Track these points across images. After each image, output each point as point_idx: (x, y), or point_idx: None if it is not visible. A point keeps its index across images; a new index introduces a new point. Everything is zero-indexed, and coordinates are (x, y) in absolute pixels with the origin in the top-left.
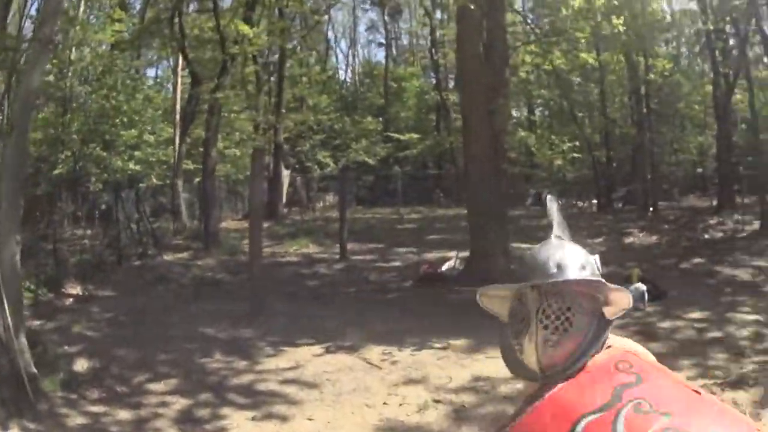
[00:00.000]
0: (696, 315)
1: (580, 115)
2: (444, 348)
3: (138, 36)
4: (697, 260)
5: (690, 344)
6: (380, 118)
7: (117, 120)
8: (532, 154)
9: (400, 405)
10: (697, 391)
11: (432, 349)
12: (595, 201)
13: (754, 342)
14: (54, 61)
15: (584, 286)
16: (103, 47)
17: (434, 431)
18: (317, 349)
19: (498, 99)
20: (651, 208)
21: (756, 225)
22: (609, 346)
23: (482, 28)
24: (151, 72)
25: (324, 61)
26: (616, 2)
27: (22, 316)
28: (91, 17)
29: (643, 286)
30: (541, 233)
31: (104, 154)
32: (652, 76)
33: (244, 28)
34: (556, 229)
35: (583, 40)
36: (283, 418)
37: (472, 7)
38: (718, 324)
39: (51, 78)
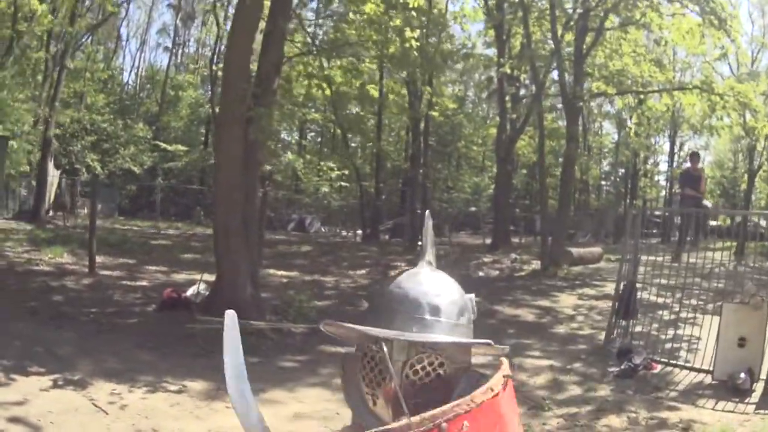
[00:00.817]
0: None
1: (353, 145)
2: (179, 391)
3: None
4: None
5: None
6: (152, 126)
7: None
8: (299, 179)
9: None
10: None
11: (166, 392)
12: (360, 231)
13: (552, 392)
14: None
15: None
16: None
17: None
18: (47, 380)
19: (259, 108)
20: (419, 242)
21: (534, 265)
22: None
23: (258, 29)
24: None
25: (111, 58)
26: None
27: None
28: None
29: None
30: (299, 260)
31: None
32: (434, 113)
33: (35, 3)
34: (429, 254)
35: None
36: None
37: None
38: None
39: None
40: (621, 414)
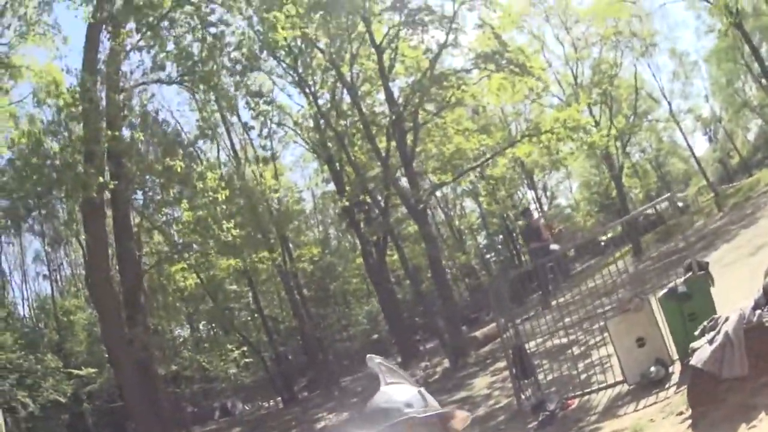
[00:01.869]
0: None
1: (243, 320)
2: None
3: None
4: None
5: None
6: (59, 354)
7: None
8: (206, 369)
9: None
10: None
11: None
12: (279, 398)
13: None
14: None
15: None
16: None
17: None
18: None
19: (136, 327)
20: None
21: (446, 364)
22: None
23: (110, 255)
24: None
25: (2, 295)
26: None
27: None
28: None
29: None
30: None
31: None
32: (302, 265)
33: None
34: (387, 379)
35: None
36: None
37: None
38: None
39: None
40: None
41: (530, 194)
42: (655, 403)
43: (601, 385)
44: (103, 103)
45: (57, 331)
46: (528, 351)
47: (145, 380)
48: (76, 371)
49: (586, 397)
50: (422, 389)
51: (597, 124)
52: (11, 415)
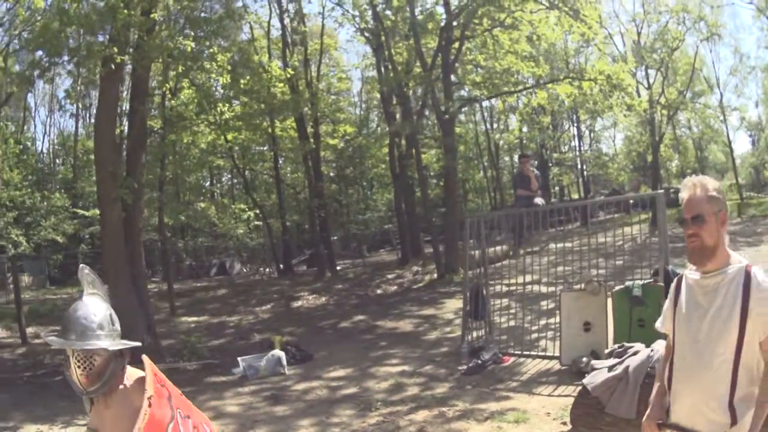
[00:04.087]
0: (337, 374)
1: (260, 183)
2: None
3: None
4: (359, 317)
5: (318, 404)
6: (69, 193)
7: None
8: (215, 225)
9: None
10: (180, 392)
11: (77, 427)
12: (276, 267)
13: (389, 394)
14: None
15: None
16: None
17: None
18: None
19: (129, 184)
20: (329, 271)
21: (435, 275)
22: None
23: (121, 111)
24: None
25: (21, 130)
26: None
27: None
28: None
29: (280, 353)
30: (213, 304)
31: None
32: (332, 141)
33: None
34: (87, 289)
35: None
36: None
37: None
38: (358, 380)
39: None
40: (434, 408)
41: (574, 130)
42: (566, 396)
43: (539, 353)
44: None
45: (73, 169)
46: (485, 295)
47: (127, 237)
48: (81, 211)
49: (522, 360)
50: (112, 313)
51: (650, 87)
52: None
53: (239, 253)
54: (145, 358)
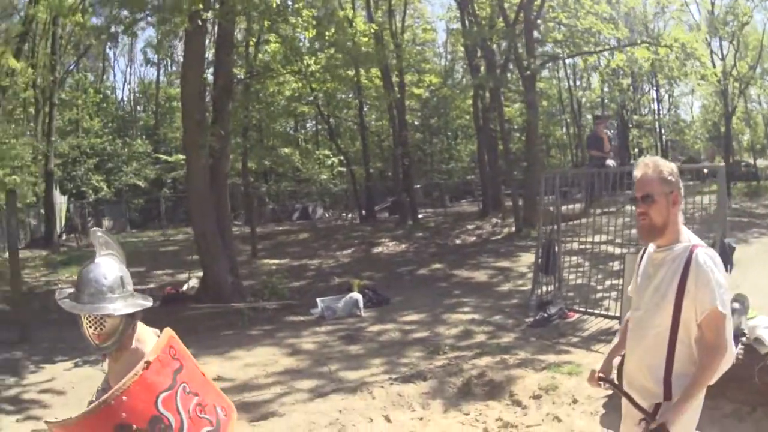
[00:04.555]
0: (410, 318)
1: (344, 130)
2: None
3: None
4: (436, 266)
5: (390, 345)
6: (152, 139)
7: None
8: (299, 170)
9: None
10: (203, 373)
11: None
12: (358, 213)
13: (458, 340)
14: None
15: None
16: None
17: None
18: (69, 364)
19: (216, 131)
20: (410, 219)
21: (513, 228)
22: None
23: (206, 61)
24: None
25: (101, 80)
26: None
27: None
28: None
29: (357, 295)
30: (294, 247)
31: None
32: (417, 90)
33: (13, 63)
34: (101, 251)
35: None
36: (37, 418)
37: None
38: (429, 325)
39: None
40: (497, 356)
41: (653, 93)
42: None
43: (601, 312)
44: None
45: (155, 116)
46: (557, 251)
47: (213, 181)
48: (164, 156)
49: (586, 317)
50: (125, 274)
51: (723, 58)
52: (78, 200)
53: (322, 199)
54: (168, 330)
